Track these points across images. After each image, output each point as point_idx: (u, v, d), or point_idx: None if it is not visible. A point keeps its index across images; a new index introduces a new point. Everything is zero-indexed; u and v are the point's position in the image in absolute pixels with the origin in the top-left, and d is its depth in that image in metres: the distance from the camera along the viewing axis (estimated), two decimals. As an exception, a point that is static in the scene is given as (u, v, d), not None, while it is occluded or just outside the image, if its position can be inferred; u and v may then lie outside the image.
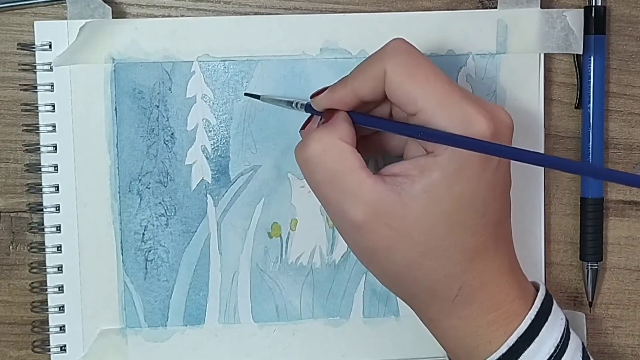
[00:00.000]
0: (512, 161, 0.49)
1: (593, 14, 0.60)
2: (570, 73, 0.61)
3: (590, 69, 0.60)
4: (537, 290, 0.52)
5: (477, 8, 0.60)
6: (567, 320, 0.51)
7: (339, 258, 0.60)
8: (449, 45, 0.59)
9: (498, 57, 0.60)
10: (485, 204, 0.48)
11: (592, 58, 0.60)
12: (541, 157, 0.47)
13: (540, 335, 0.49)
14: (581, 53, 0.60)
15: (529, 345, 0.49)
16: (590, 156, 0.60)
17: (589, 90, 0.60)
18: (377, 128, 0.51)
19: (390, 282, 0.51)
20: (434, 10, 0.60)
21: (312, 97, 0.52)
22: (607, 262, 0.63)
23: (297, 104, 0.55)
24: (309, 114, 0.54)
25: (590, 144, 0.61)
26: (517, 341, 0.49)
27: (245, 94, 0.58)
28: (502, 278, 0.50)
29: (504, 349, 0.49)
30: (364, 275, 0.60)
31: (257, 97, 0.58)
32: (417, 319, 0.52)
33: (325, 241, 0.60)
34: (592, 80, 0.60)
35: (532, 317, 0.50)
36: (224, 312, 0.59)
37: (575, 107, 0.61)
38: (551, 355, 0.49)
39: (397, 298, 0.59)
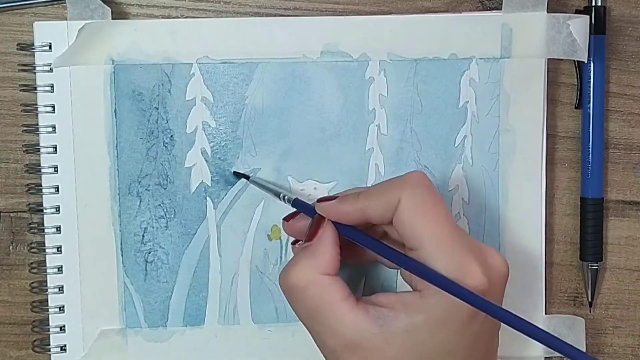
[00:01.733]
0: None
1: (593, 14, 0.60)
2: (570, 73, 0.61)
3: (590, 69, 0.60)
4: None
5: (478, 8, 0.60)
6: None
7: (338, 261, 0.60)
8: (452, 49, 0.59)
9: (502, 61, 0.59)
10: (468, 353, 0.48)
11: (592, 58, 0.60)
12: (528, 327, 0.44)
13: None
14: (585, 61, 0.59)
15: None
16: (590, 156, 0.60)
17: (589, 90, 0.60)
18: (374, 250, 0.51)
19: None
20: (434, 10, 0.60)
21: (319, 200, 0.52)
22: (607, 262, 0.63)
23: (284, 197, 0.55)
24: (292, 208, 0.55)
25: (590, 144, 0.60)
26: None
27: (234, 173, 0.59)
28: None
29: None
30: (363, 278, 0.60)
31: (247, 177, 0.58)
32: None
33: (325, 243, 0.60)
34: (592, 80, 0.60)
35: None
36: (224, 313, 0.59)
37: (575, 107, 0.61)
38: None
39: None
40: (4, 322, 0.60)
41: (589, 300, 0.62)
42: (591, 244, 0.61)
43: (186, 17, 0.59)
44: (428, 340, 0.47)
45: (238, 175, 0.59)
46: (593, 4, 0.60)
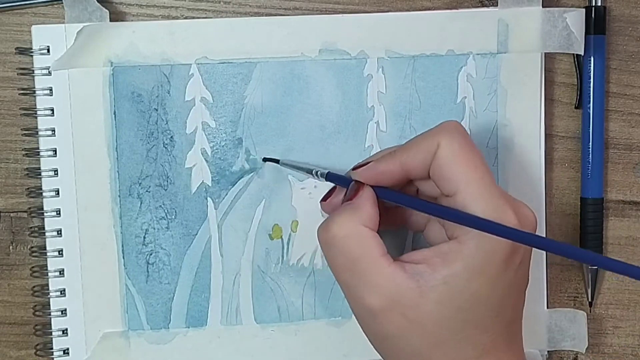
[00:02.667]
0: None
1: (593, 14, 0.60)
2: (571, 73, 0.61)
3: (590, 69, 0.60)
4: None
5: (477, 8, 0.60)
6: None
7: (340, 259, 0.60)
8: (449, 45, 0.59)
9: (499, 56, 0.60)
10: (501, 303, 0.49)
11: (592, 58, 0.60)
12: (569, 249, 0.46)
13: None
14: (582, 54, 0.59)
15: None
16: (590, 156, 0.60)
17: (589, 90, 0.60)
18: (413, 207, 0.52)
19: None
20: (433, 9, 0.60)
21: (354, 169, 0.53)
22: (607, 262, 0.63)
23: (317, 172, 0.55)
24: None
25: (590, 144, 0.61)
26: None
27: (264, 159, 0.59)
28: None
29: None
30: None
31: (277, 161, 0.58)
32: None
33: (326, 242, 0.60)
34: (592, 80, 0.60)
35: None
36: (226, 313, 0.60)
37: (575, 107, 0.61)
38: None
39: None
40: (4, 322, 0.60)
41: (589, 300, 0.62)
42: (591, 244, 0.61)
43: (186, 17, 0.59)
44: (465, 289, 0.47)
45: (268, 160, 0.59)
46: (593, 4, 0.60)
